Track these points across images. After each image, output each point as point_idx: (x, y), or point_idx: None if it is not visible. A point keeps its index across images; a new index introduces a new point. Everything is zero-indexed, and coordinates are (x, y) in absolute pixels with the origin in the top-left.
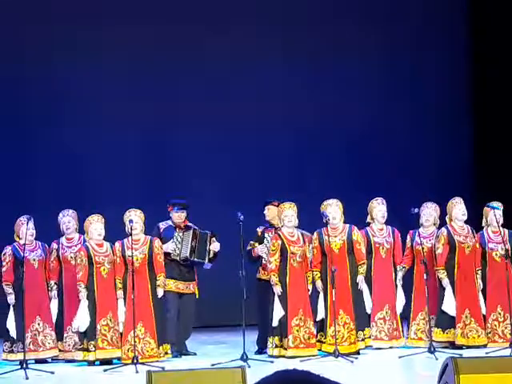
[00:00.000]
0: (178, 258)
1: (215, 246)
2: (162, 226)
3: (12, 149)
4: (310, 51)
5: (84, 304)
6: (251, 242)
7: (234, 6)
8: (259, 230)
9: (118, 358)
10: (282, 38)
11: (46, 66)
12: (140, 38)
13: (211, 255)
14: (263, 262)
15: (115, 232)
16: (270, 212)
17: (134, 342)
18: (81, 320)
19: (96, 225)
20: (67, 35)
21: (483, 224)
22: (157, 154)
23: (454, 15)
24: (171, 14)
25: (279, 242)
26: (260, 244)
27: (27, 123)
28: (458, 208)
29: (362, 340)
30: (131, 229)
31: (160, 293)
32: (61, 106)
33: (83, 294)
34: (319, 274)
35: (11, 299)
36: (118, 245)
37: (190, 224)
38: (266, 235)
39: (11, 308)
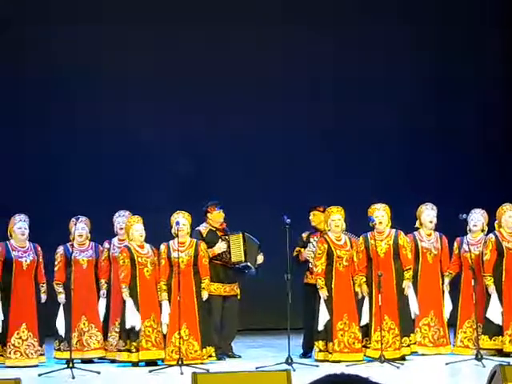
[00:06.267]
0: (228, 261)
1: (260, 258)
2: (204, 230)
3: (65, 149)
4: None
5: (130, 303)
6: (297, 248)
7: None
8: (304, 235)
9: (162, 360)
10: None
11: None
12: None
13: (257, 264)
14: (310, 266)
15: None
16: (316, 217)
17: (180, 343)
18: (132, 319)
19: (137, 226)
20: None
21: None
22: (196, 156)
23: None
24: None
25: (325, 245)
26: (305, 249)
27: (72, 125)
28: (507, 215)
29: (408, 346)
30: (178, 230)
31: (205, 296)
32: (99, 106)
33: (127, 293)
34: (364, 279)
35: (61, 298)
36: (163, 246)
37: (226, 228)
38: (311, 240)
39: (61, 307)
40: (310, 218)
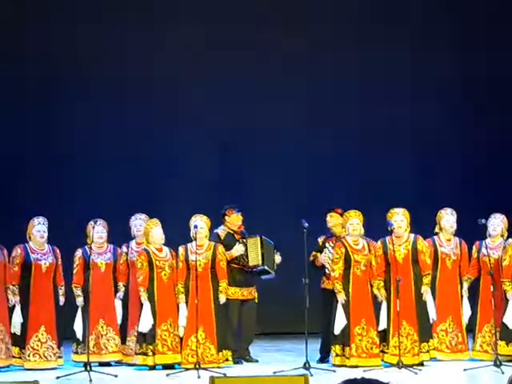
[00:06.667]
0: (246, 264)
1: (278, 258)
2: (222, 233)
3: (85, 152)
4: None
5: (147, 306)
6: (313, 253)
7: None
8: (320, 239)
9: (178, 363)
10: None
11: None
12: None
13: (276, 265)
14: (326, 271)
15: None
16: (333, 219)
17: (196, 347)
18: (145, 322)
19: (157, 229)
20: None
21: None
22: (216, 159)
23: None
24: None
25: (343, 250)
26: (321, 254)
27: (90, 129)
28: None
29: (427, 352)
30: (196, 234)
31: (222, 299)
32: (118, 109)
33: (145, 297)
34: (383, 283)
35: (80, 301)
36: (181, 249)
37: (244, 231)
38: (327, 245)
39: (79, 310)
40: (327, 219)
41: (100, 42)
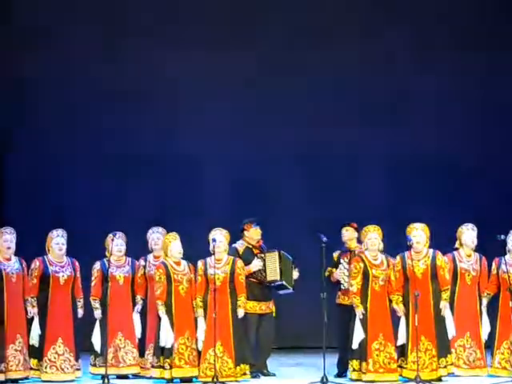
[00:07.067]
0: (264, 279)
1: (295, 274)
2: (240, 247)
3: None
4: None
5: (165, 320)
6: (329, 268)
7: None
8: (335, 254)
9: (195, 377)
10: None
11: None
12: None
13: (294, 281)
14: (342, 287)
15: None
16: (348, 233)
17: (214, 360)
18: (166, 336)
19: (176, 243)
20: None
21: None
22: (234, 173)
23: None
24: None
25: (361, 264)
26: (336, 269)
27: (110, 142)
28: None
29: (445, 367)
30: (214, 248)
31: (241, 313)
32: (140, 120)
33: (163, 310)
34: (401, 298)
35: (98, 314)
36: (200, 263)
37: (263, 245)
38: (341, 260)
39: (97, 322)
40: (343, 233)
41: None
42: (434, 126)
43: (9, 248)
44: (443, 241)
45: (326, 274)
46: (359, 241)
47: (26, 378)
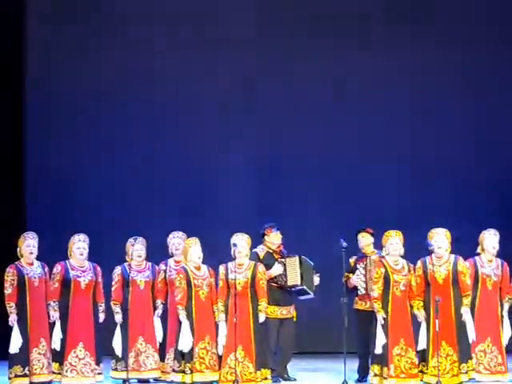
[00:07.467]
0: (284, 284)
1: (316, 280)
2: (261, 252)
3: (124, 171)
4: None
5: (186, 325)
6: (345, 274)
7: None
8: (351, 260)
9: (216, 381)
10: None
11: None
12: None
13: (315, 287)
14: (359, 292)
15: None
16: (364, 239)
17: (235, 365)
18: (185, 341)
19: (195, 248)
20: None
21: None
22: (256, 180)
23: None
24: None
25: (382, 269)
26: (353, 274)
27: (132, 147)
28: None
29: (466, 372)
30: (235, 252)
31: (262, 318)
32: (159, 126)
33: (183, 315)
34: (422, 304)
35: (118, 318)
36: (222, 268)
37: (283, 250)
38: (358, 266)
39: (118, 327)
40: (359, 239)
41: None
42: (458, 130)
43: (31, 253)
44: (465, 246)
45: (344, 279)
46: (375, 246)
47: (50, 382)
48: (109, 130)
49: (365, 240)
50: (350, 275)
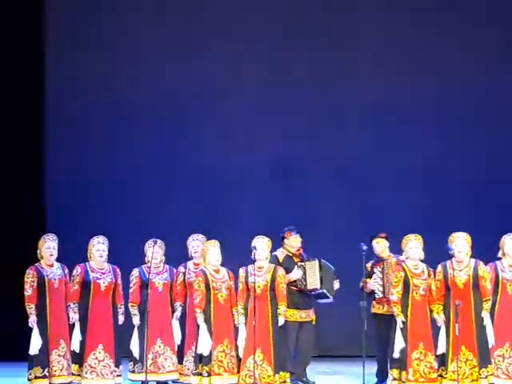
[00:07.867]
0: (304, 288)
1: (336, 284)
2: (280, 255)
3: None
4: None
5: (204, 328)
6: (363, 279)
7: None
8: (368, 265)
9: None
10: None
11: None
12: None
13: (335, 291)
14: (376, 296)
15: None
16: (379, 245)
17: (254, 368)
18: (204, 344)
19: (214, 250)
20: None
21: None
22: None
23: None
24: None
25: (402, 273)
26: (370, 279)
27: (150, 150)
28: None
29: (485, 377)
30: (255, 255)
31: (281, 321)
32: (178, 132)
33: (201, 318)
34: (442, 308)
35: (136, 320)
36: (242, 271)
37: (303, 253)
38: (375, 270)
39: (135, 329)
40: (374, 246)
41: None
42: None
43: (51, 255)
44: (484, 250)
45: (361, 284)
46: (392, 247)
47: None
48: (127, 129)
49: (380, 246)
50: (367, 280)
